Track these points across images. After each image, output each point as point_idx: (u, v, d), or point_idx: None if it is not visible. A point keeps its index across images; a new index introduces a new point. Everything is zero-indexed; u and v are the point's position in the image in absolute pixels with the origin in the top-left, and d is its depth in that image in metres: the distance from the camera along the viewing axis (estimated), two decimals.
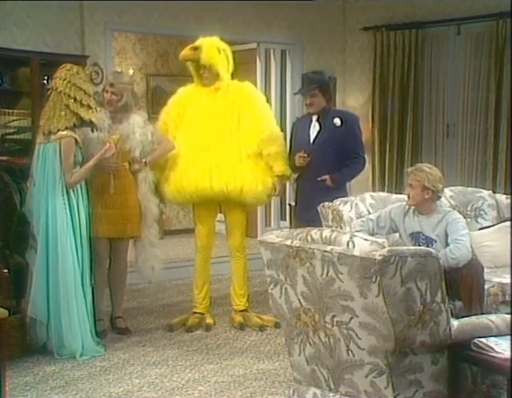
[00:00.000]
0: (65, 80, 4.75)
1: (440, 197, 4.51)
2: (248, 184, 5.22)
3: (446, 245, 4.32)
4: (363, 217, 4.77)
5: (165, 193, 5.36)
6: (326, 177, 5.16)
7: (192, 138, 5.25)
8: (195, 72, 5.35)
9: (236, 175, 5.19)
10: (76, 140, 4.71)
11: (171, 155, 5.28)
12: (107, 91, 5.09)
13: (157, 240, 5.37)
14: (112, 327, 5.31)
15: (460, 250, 4.22)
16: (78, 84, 4.73)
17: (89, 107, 4.74)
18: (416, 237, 4.45)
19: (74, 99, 4.70)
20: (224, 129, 5.24)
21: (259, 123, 5.29)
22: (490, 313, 3.86)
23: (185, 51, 5.30)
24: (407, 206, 4.54)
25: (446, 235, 4.35)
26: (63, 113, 4.71)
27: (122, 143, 5.08)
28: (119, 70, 7.82)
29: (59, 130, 4.67)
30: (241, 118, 5.27)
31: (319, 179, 5.16)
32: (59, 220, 4.63)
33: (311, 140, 5.25)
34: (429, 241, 4.39)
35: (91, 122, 4.75)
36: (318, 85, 5.22)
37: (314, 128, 5.26)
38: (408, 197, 4.47)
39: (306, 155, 5.17)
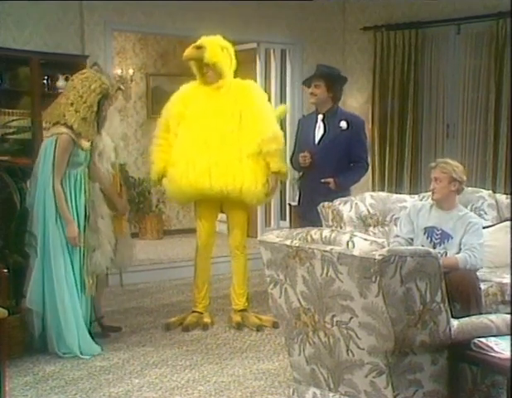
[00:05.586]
0: (72, 80, 4.84)
1: (463, 190, 4.48)
2: (247, 184, 5.19)
3: (459, 242, 4.32)
4: (393, 240, 4.60)
5: (166, 191, 5.49)
6: (331, 180, 5.16)
7: (192, 137, 5.23)
8: (197, 71, 5.33)
9: (236, 175, 5.16)
10: (74, 141, 4.71)
11: (173, 153, 5.27)
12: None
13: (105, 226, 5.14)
14: (101, 328, 5.21)
15: (475, 259, 4.24)
16: (78, 88, 4.74)
17: (84, 119, 4.69)
18: (430, 232, 4.40)
19: (72, 104, 4.71)
20: (224, 128, 5.21)
21: (261, 122, 5.24)
22: (490, 313, 3.86)
23: (189, 50, 5.27)
24: (425, 201, 4.51)
25: (464, 234, 4.32)
26: (56, 112, 4.76)
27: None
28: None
29: (56, 123, 4.72)
30: (243, 117, 5.23)
31: (322, 181, 5.15)
32: (50, 214, 4.65)
33: (316, 141, 5.24)
34: (445, 237, 4.35)
35: (71, 127, 4.68)
36: (323, 76, 5.22)
37: (319, 129, 5.25)
38: (433, 193, 4.42)
39: (308, 155, 5.17)
